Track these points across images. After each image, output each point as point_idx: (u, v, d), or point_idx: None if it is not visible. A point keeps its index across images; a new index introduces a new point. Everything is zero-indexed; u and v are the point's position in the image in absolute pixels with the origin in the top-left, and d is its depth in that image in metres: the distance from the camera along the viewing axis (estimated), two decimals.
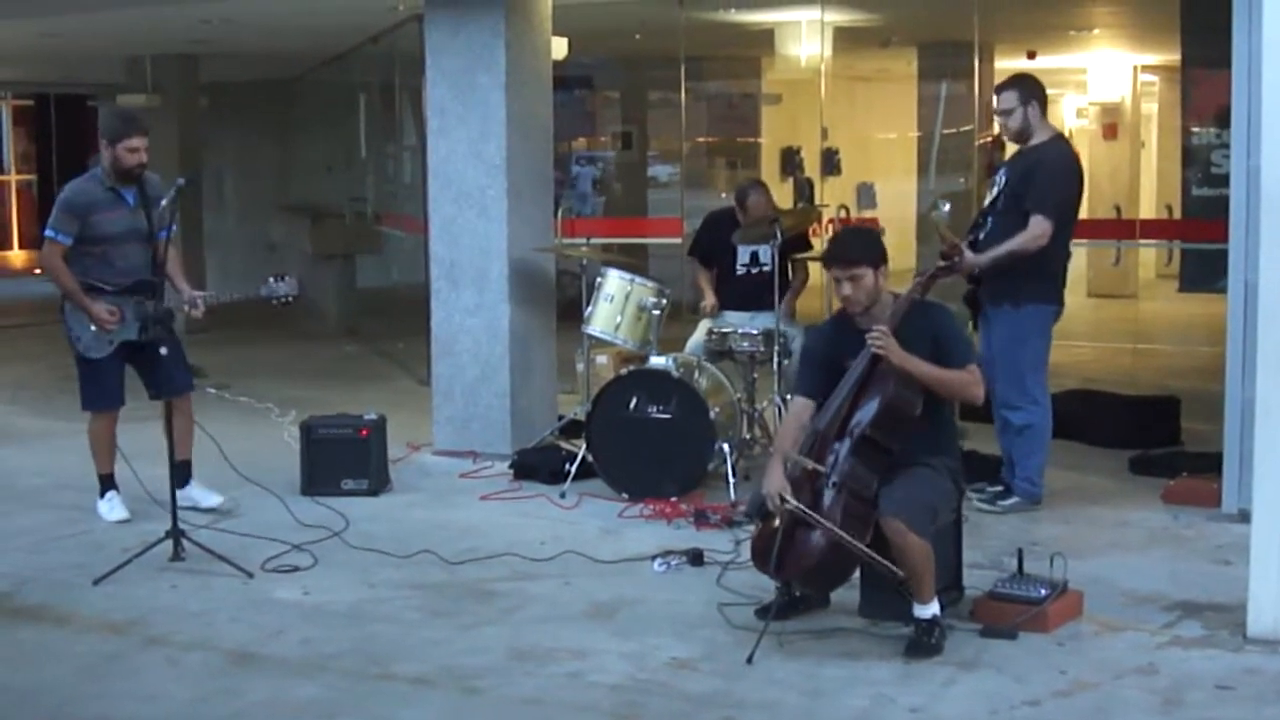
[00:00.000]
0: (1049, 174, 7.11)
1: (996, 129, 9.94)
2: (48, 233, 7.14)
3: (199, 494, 7.42)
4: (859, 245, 5.69)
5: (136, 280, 7.11)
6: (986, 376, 7.27)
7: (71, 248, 7.11)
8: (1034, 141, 7.24)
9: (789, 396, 7.84)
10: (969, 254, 7.08)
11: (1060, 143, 7.38)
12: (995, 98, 7.36)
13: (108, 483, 7.47)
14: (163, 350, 6.87)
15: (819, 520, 5.27)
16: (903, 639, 5.37)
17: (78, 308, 7.10)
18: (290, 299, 7.19)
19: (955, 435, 5.87)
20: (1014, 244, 7.03)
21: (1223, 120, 8.64)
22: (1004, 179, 7.30)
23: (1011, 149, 7.64)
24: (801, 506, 5.30)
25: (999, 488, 7.32)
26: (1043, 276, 7.16)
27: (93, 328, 7.10)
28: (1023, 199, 7.09)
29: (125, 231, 7.16)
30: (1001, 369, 7.16)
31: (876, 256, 5.59)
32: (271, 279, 7.16)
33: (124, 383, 7.35)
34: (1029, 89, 7.25)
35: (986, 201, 7.41)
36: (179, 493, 6.96)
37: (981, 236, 7.24)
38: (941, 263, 6.01)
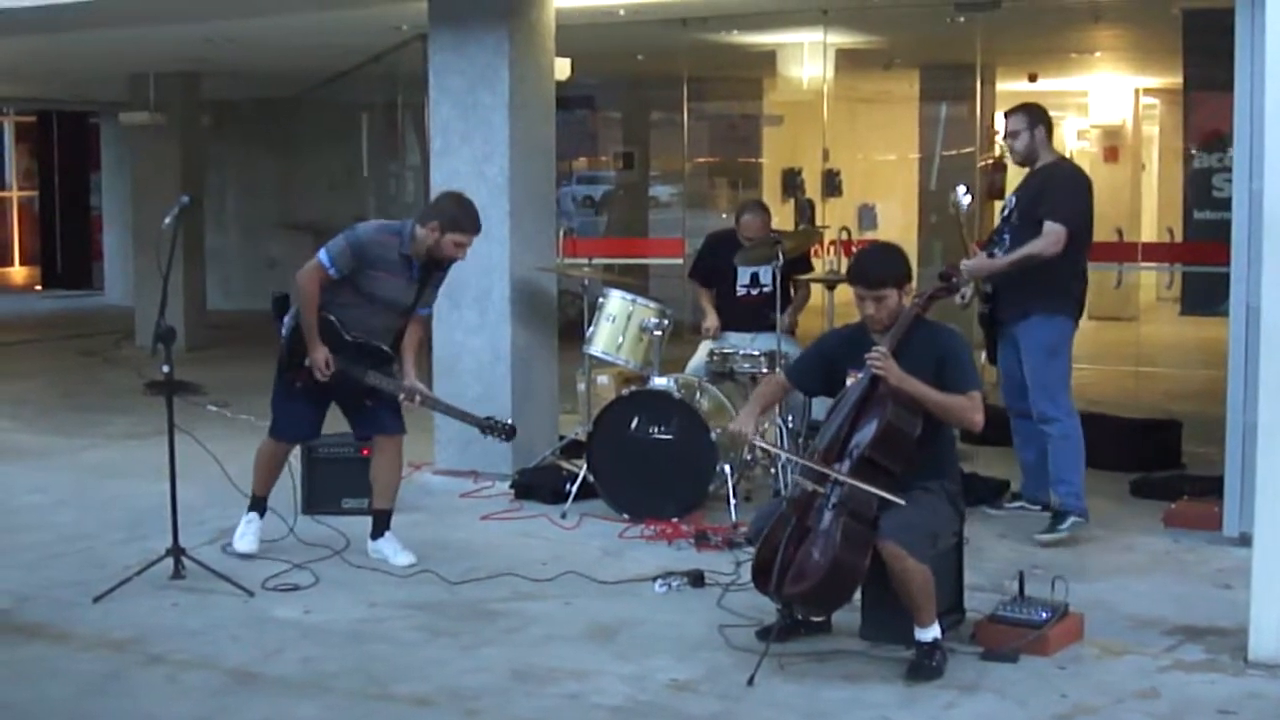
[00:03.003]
0: (1061, 186, 7.23)
1: (998, 151, 9.97)
2: (321, 254, 6.73)
3: (390, 549, 6.96)
4: (885, 266, 5.68)
5: (370, 345, 6.82)
6: (1008, 395, 7.35)
7: (333, 284, 6.73)
8: (1041, 163, 7.34)
9: (789, 418, 7.88)
10: (983, 258, 7.25)
11: (1067, 163, 7.56)
12: (1004, 121, 7.50)
13: (256, 503, 7.14)
14: (367, 402, 6.80)
15: (789, 455, 5.34)
16: (904, 662, 5.37)
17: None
18: (505, 439, 6.92)
19: (956, 458, 5.86)
20: (1031, 248, 7.10)
21: (1224, 143, 8.66)
22: (1012, 200, 7.42)
23: (1015, 174, 7.69)
24: (767, 445, 5.40)
25: (1046, 513, 7.32)
26: (1066, 293, 7.25)
27: (306, 362, 6.76)
28: (1036, 212, 7.17)
29: (390, 299, 6.81)
30: (1035, 382, 7.22)
31: (901, 276, 5.62)
32: (496, 418, 6.89)
33: (321, 417, 7.06)
34: (1036, 114, 7.39)
35: (998, 223, 7.54)
36: (370, 544, 6.96)
37: (998, 253, 7.32)
38: (940, 282, 6.01)
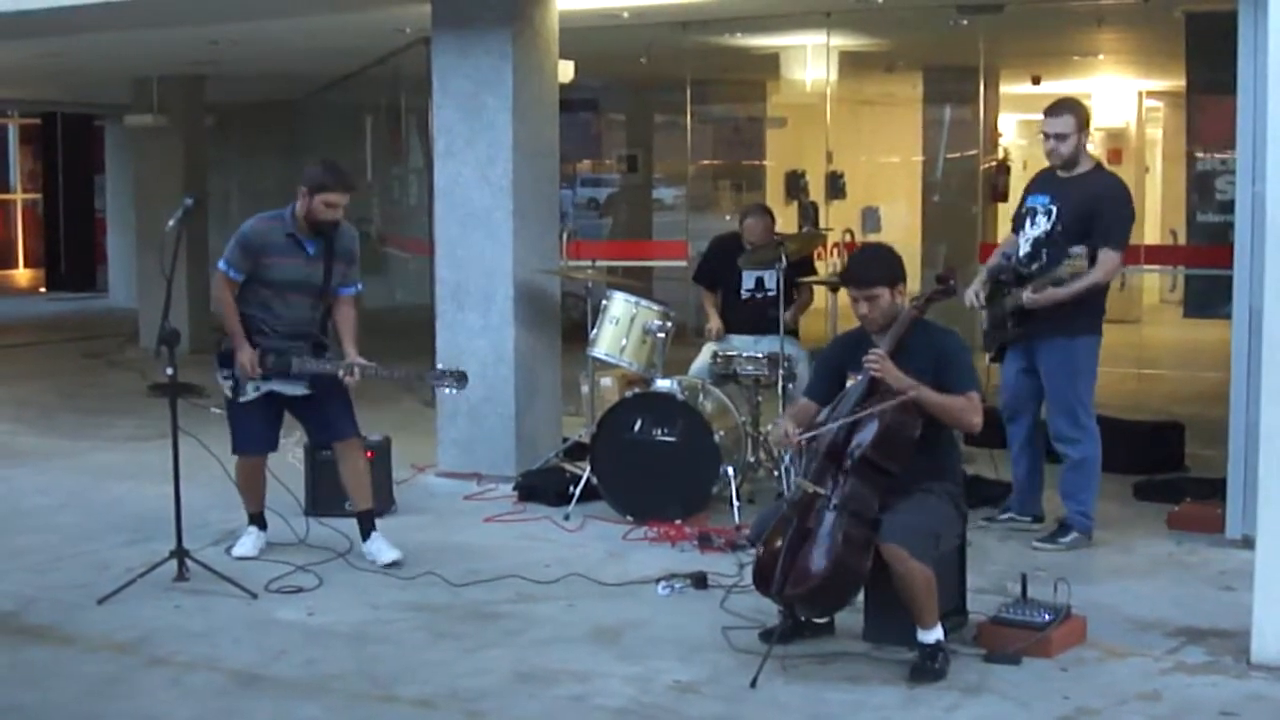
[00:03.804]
0: (1115, 206, 7.03)
1: (1001, 154, 9.88)
2: (220, 264, 6.91)
3: (375, 548, 6.97)
4: (875, 265, 5.71)
5: (298, 332, 6.91)
6: (1006, 404, 7.28)
7: (244, 285, 6.86)
8: (1081, 170, 7.11)
9: None
10: (1048, 290, 6.91)
11: (1107, 172, 7.31)
12: (1047, 120, 7.15)
13: (255, 520, 7.22)
14: (314, 396, 6.83)
15: (829, 429, 5.36)
16: (906, 664, 5.37)
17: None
18: (455, 390, 6.95)
19: (958, 460, 5.87)
20: (1093, 278, 6.90)
21: (1228, 145, 8.65)
22: (1051, 207, 7.08)
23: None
24: (811, 432, 5.40)
25: (1054, 526, 7.26)
26: (1095, 309, 7.10)
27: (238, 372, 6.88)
28: (1086, 231, 6.95)
29: (294, 281, 6.88)
30: (1056, 403, 7.12)
31: (893, 275, 5.63)
32: (440, 366, 6.93)
33: (275, 428, 7.10)
34: (1083, 115, 7.15)
35: (1033, 231, 7.15)
36: (362, 546, 6.98)
37: (1036, 269, 7.07)
38: (938, 285, 6.00)
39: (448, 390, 6.98)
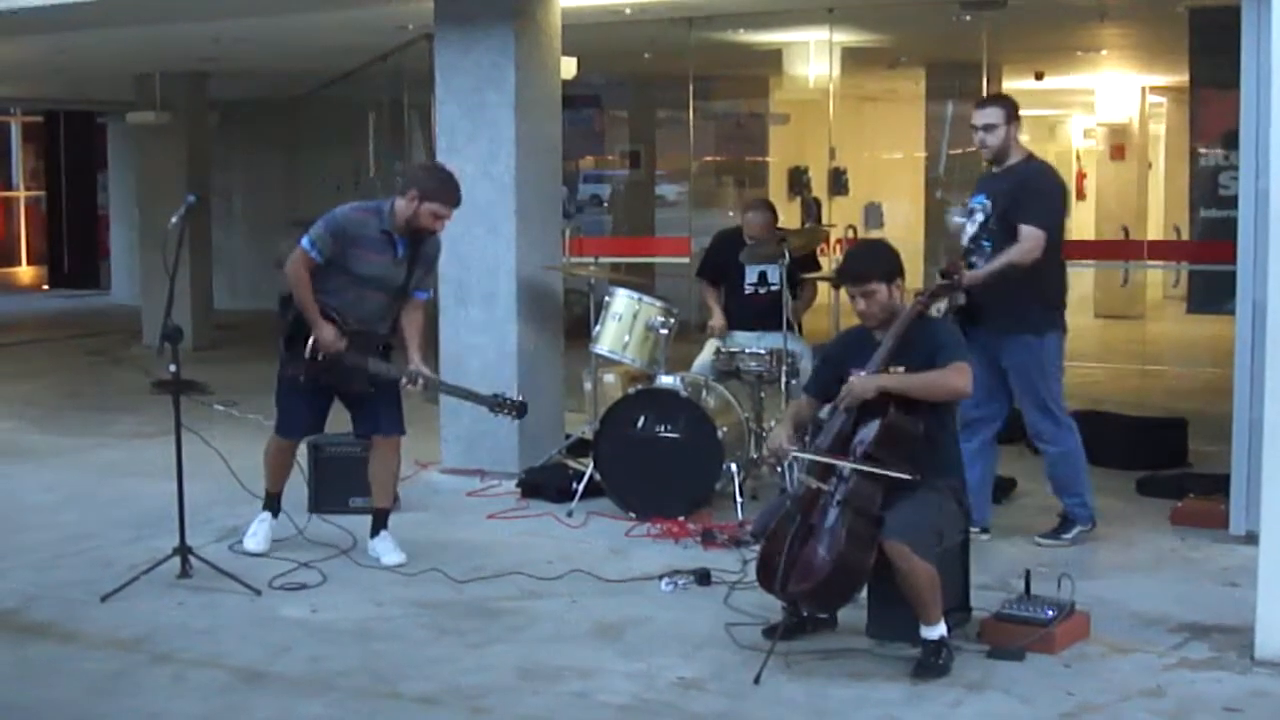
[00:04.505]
0: (1035, 188, 7.01)
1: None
2: (303, 242, 6.73)
3: (383, 548, 6.94)
4: (870, 261, 5.72)
5: (367, 330, 6.79)
6: (964, 415, 7.16)
7: (320, 269, 6.71)
8: (1011, 161, 7.10)
9: None
10: (967, 273, 6.93)
11: (1039, 161, 7.26)
12: (975, 112, 7.17)
13: (270, 502, 7.16)
14: (370, 392, 6.75)
15: (830, 460, 5.34)
16: (910, 660, 5.37)
17: (310, 325, 6.70)
18: (517, 417, 6.93)
19: (960, 457, 5.85)
20: (1010, 255, 6.86)
21: (1231, 141, 8.65)
22: (986, 203, 7.08)
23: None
24: (807, 454, 5.39)
25: (1056, 522, 7.21)
26: (1053, 305, 7.08)
27: (307, 354, 6.73)
28: (1014, 216, 6.93)
29: (378, 278, 6.75)
30: (1030, 401, 7.10)
31: (889, 271, 5.62)
32: (504, 394, 6.83)
33: (322, 417, 7.04)
34: (1012, 108, 7.12)
35: (971, 229, 7.15)
36: (369, 541, 6.96)
37: (978, 262, 7.03)
38: (942, 280, 6.00)
39: (508, 412, 6.86)
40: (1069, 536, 7.11)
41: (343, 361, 6.71)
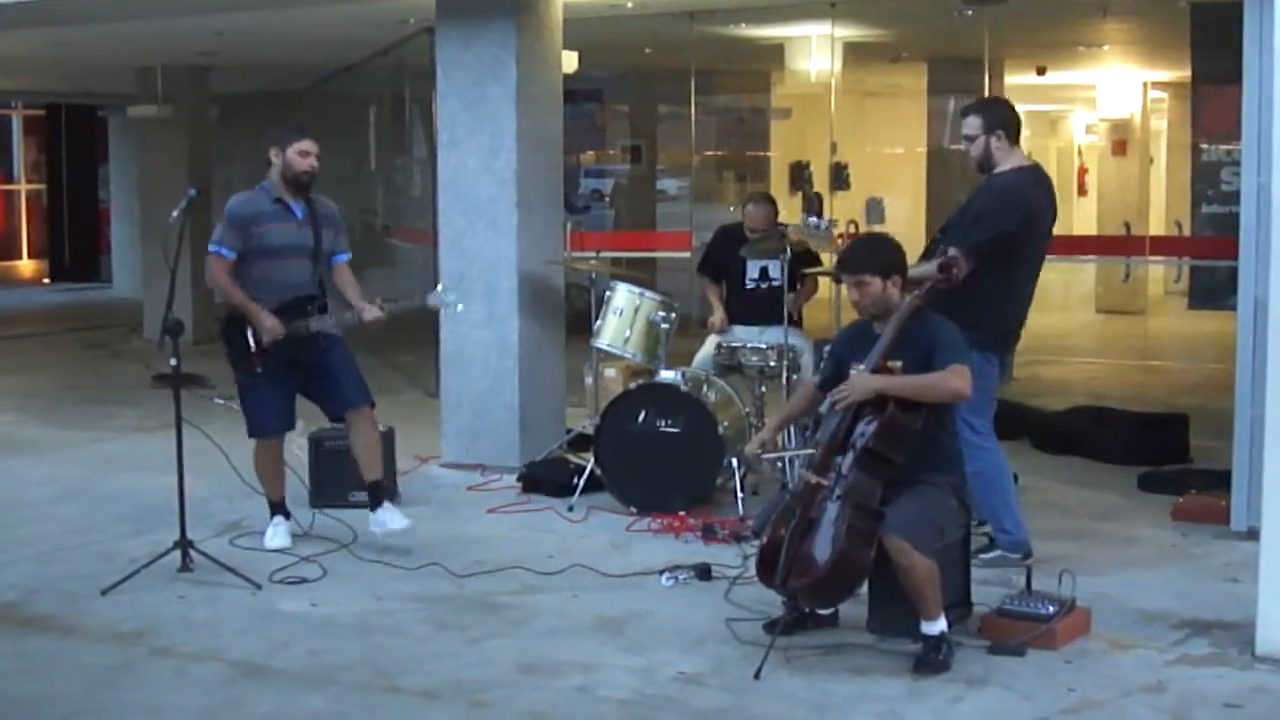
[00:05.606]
0: (980, 207, 6.53)
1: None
2: (211, 248, 6.93)
3: (388, 516, 6.99)
4: (868, 253, 5.72)
5: (296, 296, 6.95)
6: None
7: (240, 264, 6.92)
8: (996, 170, 6.60)
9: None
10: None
11: (1016, 175, 6.59)
12: (962, 120, 6.78)
13: (276, 509, 7.22)
14: (327, 361, 6.93)
15: (794, 453, 5.41)
16: (911, 655, 5.37)
17: (247, 318, 6.87)
18: (454, 308, 7.23)
19: (960, 453, 5.84)
20: (917, 271, 6.07)
21: (1233, 137, 8.64)
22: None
23: None
24: (772, 455, 5.47)
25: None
26: (985, 330, 6.29)
27: (251, 348, 6.89)
28: (952, 231, 6.59)
29: (290, 245, 6.96)
30: None
31: (885, 265, 5.61)
32: (439, 287, 7.13)
33: (290, 407, 7.14)
34: (994, 115, 6.65)
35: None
36: (371, 518, 6.99)
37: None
38: (939, 274, 5.96)
39: (449, 305, 7.18)
40: (985, 558, 6.49)
41: (295, 334, 6.88)
